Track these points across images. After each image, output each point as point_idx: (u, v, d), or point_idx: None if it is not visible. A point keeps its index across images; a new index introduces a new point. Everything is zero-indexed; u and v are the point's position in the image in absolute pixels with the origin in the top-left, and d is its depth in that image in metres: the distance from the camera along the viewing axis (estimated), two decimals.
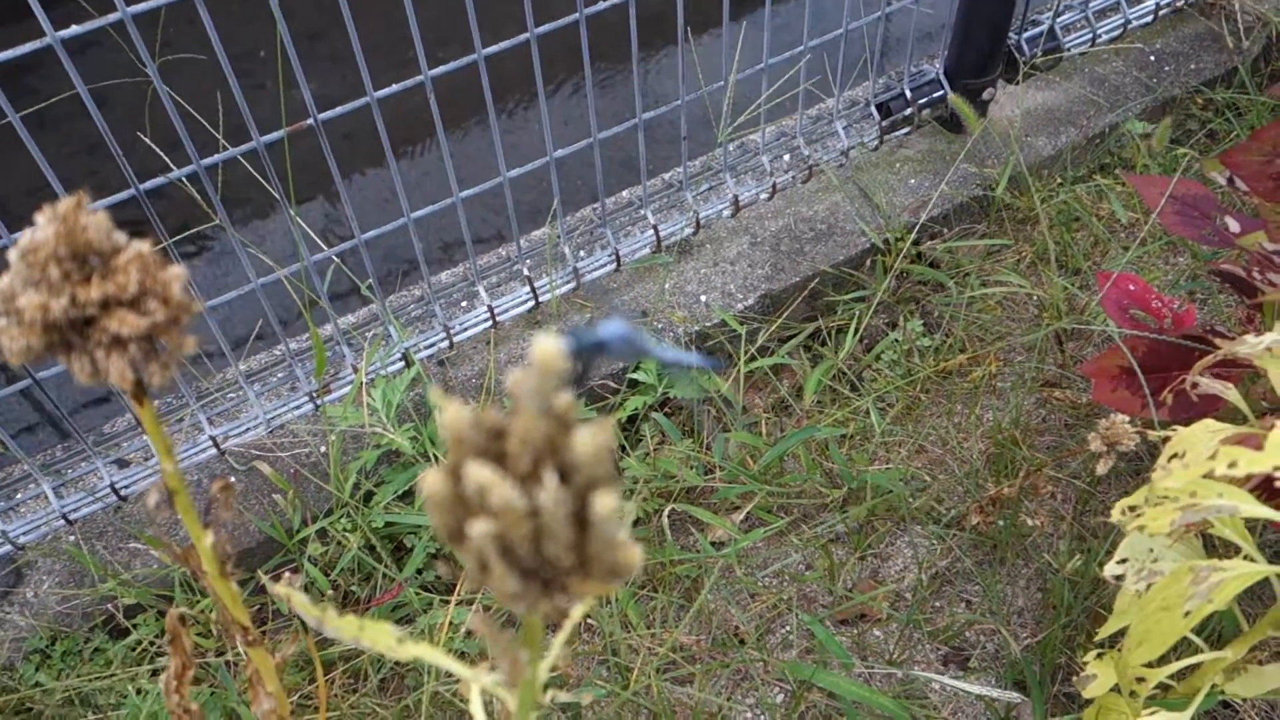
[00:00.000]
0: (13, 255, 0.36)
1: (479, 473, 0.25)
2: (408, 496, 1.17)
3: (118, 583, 1.11)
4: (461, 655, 1.09)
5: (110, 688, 1.07)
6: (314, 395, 1.22)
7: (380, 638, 0.39)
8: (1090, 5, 1.64)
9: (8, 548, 1.12)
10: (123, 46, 0.94)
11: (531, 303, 1.31)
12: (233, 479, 1.19)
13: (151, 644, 1.11)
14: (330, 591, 1.15)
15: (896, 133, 1.55)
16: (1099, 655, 0.85)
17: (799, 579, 1.19)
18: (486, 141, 1.95)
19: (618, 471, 1.22)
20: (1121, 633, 0.75)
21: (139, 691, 1.06)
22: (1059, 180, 1.56)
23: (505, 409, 0.27)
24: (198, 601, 1.13)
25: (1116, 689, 0.81)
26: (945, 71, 1.51)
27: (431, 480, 0.26)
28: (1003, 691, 1.01)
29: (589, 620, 1.15)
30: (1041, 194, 1.51)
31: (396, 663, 1.11)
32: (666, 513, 1.18)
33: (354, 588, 1.15)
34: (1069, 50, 1.64)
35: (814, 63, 1.38)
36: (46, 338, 0.36)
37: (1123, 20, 1.66)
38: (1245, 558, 0.74)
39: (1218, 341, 0.96)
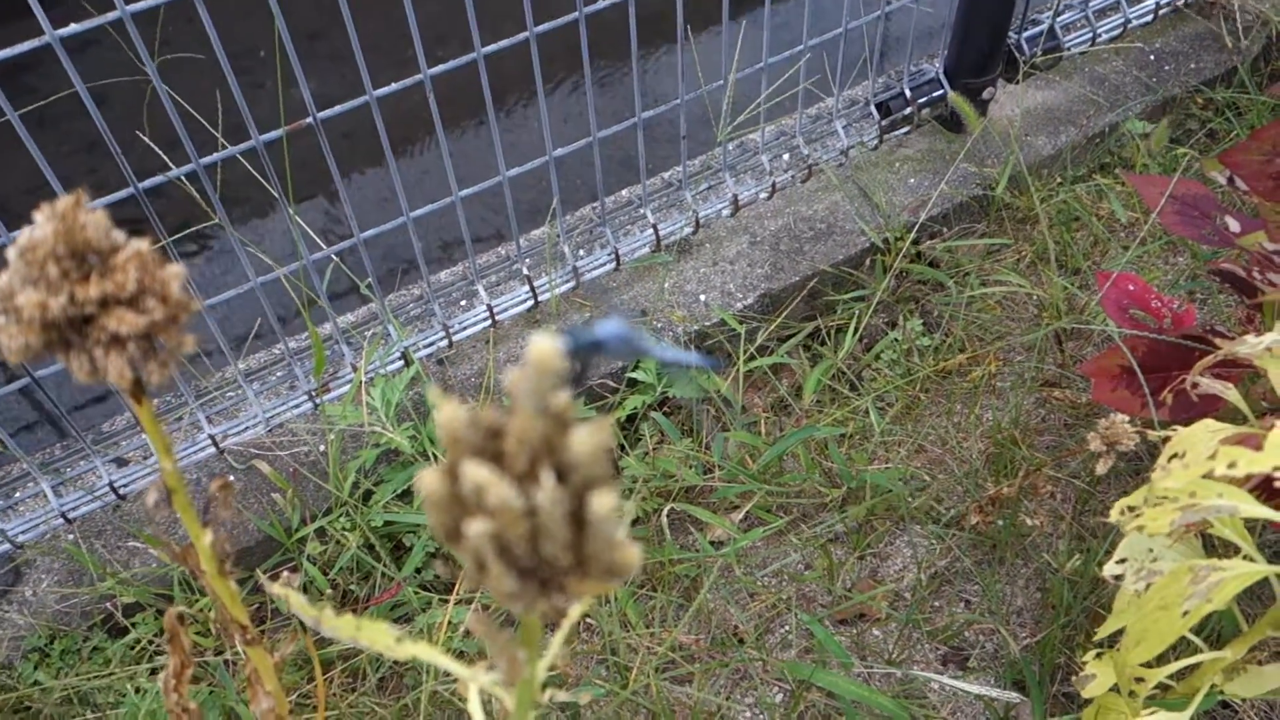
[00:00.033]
0: (11, 253, 0.36)
1: (476, 472, 0.25)
2: (407, 495, 1.17)
3: (116, 581, 1.11)
4: (460, 654, 1.09)
5: (109, 686, 1.07)
6: (313, 394, 1.22)
7: (378, 637, 0.39)
8: (1090, 5, 1.64)
9: (6, 546, 1.12)
10: (122, 45, 0.94)
11: (531, 302, 1.31)
12: (231, 478, 1.19)
13: (150, 643, 1.11)
14: (329, 590, 1.15)
15: (896, 132, 1.55)
16: (1098, 655, 0.85)
17: (798, 578, 1.19)
18: (486, 140, 1.95)
19: (616, 471, 1.22)
20: (1120, 632, 0.75)
21: (138, 690, 1.06)
22: (1059, 180, 1.56)
23: (504, 408, 0.27)
24: (196, 600, 1.13)
25: (1116, 689, 0.81)
26: (945, 71, 1.51)
27: (429, 479, 0.26)
28: (1002, 691, 1.01)
29: (588, 619, 1.15)
30: (1041, 193, 1.51)
31: (395, 662, 1.11)
32: (665, 512, 1.18)
33: (353, 586, 1.15)
34: (1069, 50, 1.64)
35: (813, 62, 1.38)
36: (45, 336, 0.36)
37: (1123, 20, 1.66)
38: (1245, 558, 0.74)
39: (1218, 341, 0.96)
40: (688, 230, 1.40)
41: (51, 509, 1.13)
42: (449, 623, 1.09)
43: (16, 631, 1.09)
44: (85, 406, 1.57)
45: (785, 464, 1.28)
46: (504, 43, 1.10)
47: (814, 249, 1.41)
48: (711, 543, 1.18)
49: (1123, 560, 0.78)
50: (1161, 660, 0.82)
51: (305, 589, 1.14)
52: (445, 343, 1.27)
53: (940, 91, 1.51)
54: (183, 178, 1.03)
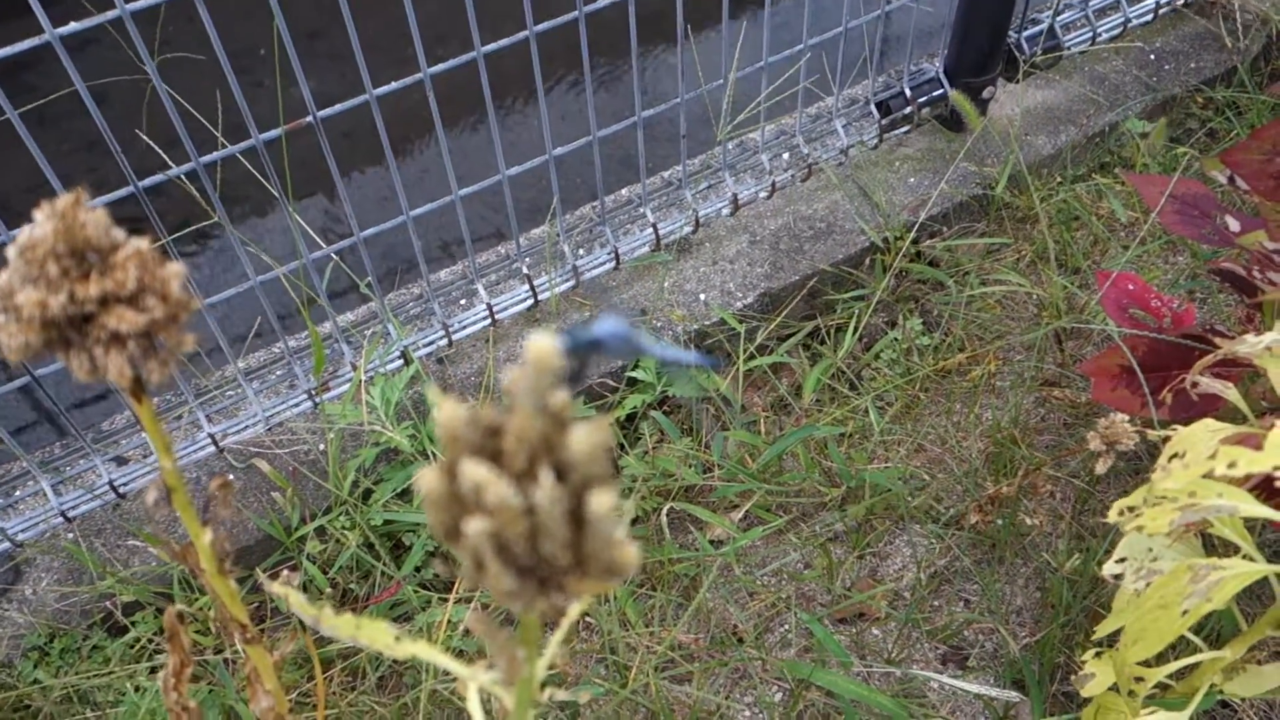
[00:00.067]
0: (11, 252, 0.36)
1: (474, 471, 0.25)
2: (406, 494, 1.17)
3: (116, 580, 1.11)
4: (459, 653, 1.09)
5: (109, 685, 1.07)
6: (313, 393, 1.22)
7: (377, 636, 0.39)
8: (1090, 4, 1.64)
9: (6, 545, 1.12)
10: (121, 44, 0.94)
11: (530, 301, 1.31)
12: (231, 477, 1.19)
13: (150, 641, 1.11)
14: (329, 589, 1.15)
15: (896, 131, 1.55)
16: (1097, 654, 0.85)
17: (797, 577, 1.19)
18: (485, 139, 1.95)
19: (616, 470, 1.22)
20: (1120, 632, 0.75)
21: (137, 689, 1.06)
22: (1059, 179, 1.56)
23: (503, 407, 0.27)
24: (196, 599, 1.13)
25: (1115, 688, 0.81)
26: (945, 70, 1.51)
27: (428, 478, 0.26)
28: (1001, 690, 1.01)
29: (587, 618, 1.15)
30: (1041, 193, 1.51)
31: (395, 660, 1.11)
32: (665, 511, 1.18)
33: (352, 585, 1.15)
34: (1069, 49, 1.64)
35: (813, 61, 1.38)
36: (45, 334, 0.36)
37: (1122, 19, 1.66)
38: (1244, 557, 0.74)
39: (1217, 341, 0.96)
40: (687, 229, 1.40)
41: (51, 507, 1.13)
42: (448, 621, 1.09)
43: (16, 630, 1.10)
44: (85, 405, 1.57)
45: (785, 463, 1.28)
46: (504, 42, 1.10)
47: (814, 248, 1.41)
48: (711, 542, 1.18)
49: (1122, 560, 0.78)
50: (1161, 659, 0.82)
51: (305, 588, 1.14)
52: (445, 341, 1.27)
53: (940, 91, 1.51)
54: (182, 176, 1.03)
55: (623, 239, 1.38)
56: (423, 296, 1.32)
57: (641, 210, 1.40)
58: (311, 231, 1.27)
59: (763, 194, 1.46)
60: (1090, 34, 1.64)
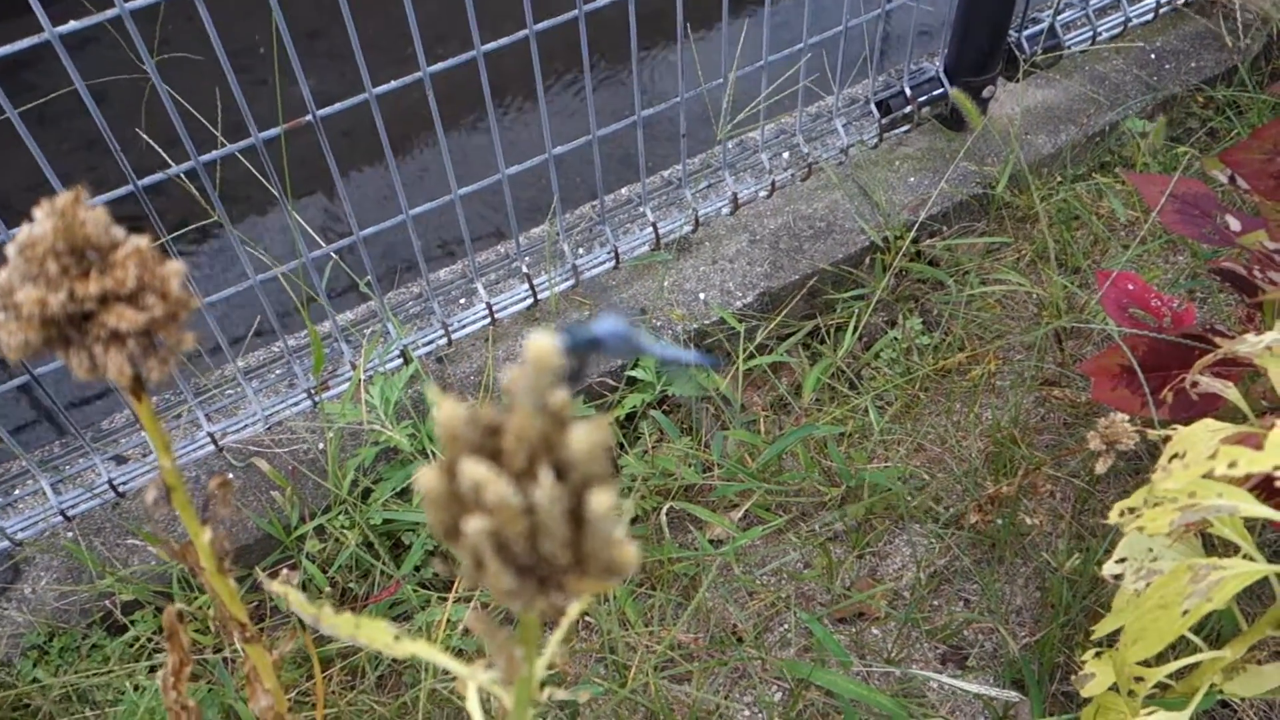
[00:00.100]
0: (11, 250, 0.36)
1: (474, 469, 0.25)
2: (406, 493, 1.17)
3: (115, 579, 1.11)
4: (459, 652, 1.09)
5: (108, 684, 1.07)
6: (312, 392, 1.22)
7: (377, 635, 0.39)
8: (1090, 3, 1.64)
9: (5, 544, 1.12)
10: (121, 43, 0.94)
11: (530, 300, 1.31)
12: (231, 476, 1.19)
13: (149, 640, 1.11)
14: (328, 588, 1.15)
15: (896, 130, 1.55)
16: (1097, 654, 0.85)
17: (797, 577, 1.19)
18: (485, 138, 1.95)
19: (615, 469, 1.22)
20: (1120, 631, 0.75)
21: (137, 688, 1.06)
22: (1059, 178, 1.56)
23: (503, 406, 0.26)
24: (195, 598, 1.13)
25: (1115, 688, 0.81)
26: (945, 69, 1.51)
27: (427, 477, 0.26)
28: (1001, 690, 1.01)
29: (587, 618, 1.15)
30: (1041, 192, 1.51)
31: (394, 660, 1.11)
32: (665, 510, 1.18)
33: (352, 584, 1.15)
34: (1069, 48, 1.64)
35: (813, 60, 1.38)
36: (44, 333, 0.36)
37: (1123, 18, 1.66)
38: (1244, 557, 0.74)
39: (1218, 340, 0.96)
40: (687, 229, 1.40)
41: (50, 506, 1.13)
42: (448, 621, 1.09)
43: (15, 629, 1.09)
44: (84, 404, 1.57)
45: (784, 462, 1.28)
46: (503, 41, 1.10)
47: (814, 247, 1.41)
48: (710, 541, 1.18)
49: (1122, 559, 0.78)
50: (1161, 659, 0.82)
51: (304, 587, 1.14)
52: (444, 341, 1.27)
53: (940, 90, 1.51)
54: (182, 175, 1.03)
55: (622, 238, 1.38)
56: (422, 295, 1.32)
57: (641, 209, 1.40)
58: (311, 230, 1.27)
59: (762, 193, 1.46)
60: (1090, 33, 1.64)
